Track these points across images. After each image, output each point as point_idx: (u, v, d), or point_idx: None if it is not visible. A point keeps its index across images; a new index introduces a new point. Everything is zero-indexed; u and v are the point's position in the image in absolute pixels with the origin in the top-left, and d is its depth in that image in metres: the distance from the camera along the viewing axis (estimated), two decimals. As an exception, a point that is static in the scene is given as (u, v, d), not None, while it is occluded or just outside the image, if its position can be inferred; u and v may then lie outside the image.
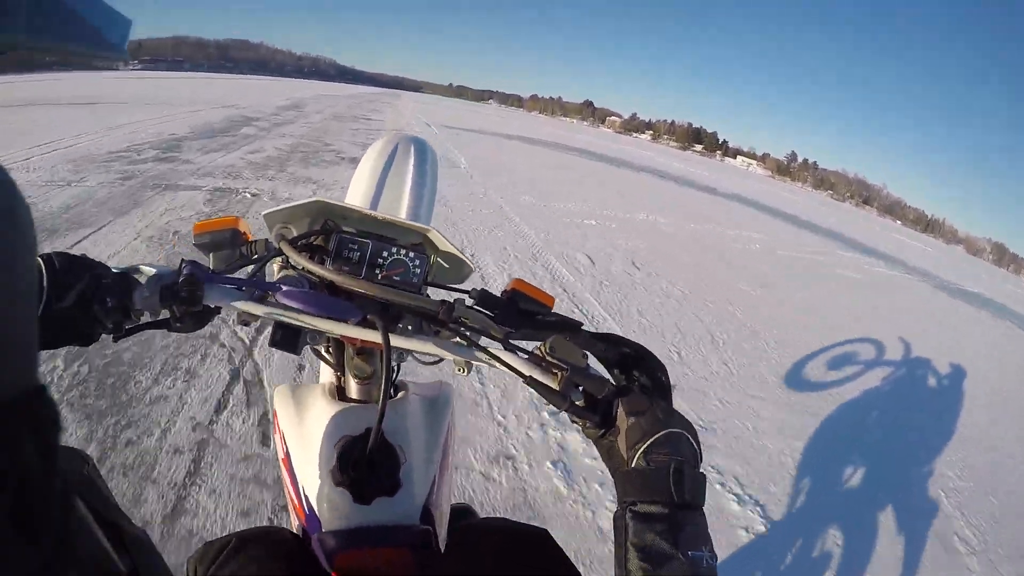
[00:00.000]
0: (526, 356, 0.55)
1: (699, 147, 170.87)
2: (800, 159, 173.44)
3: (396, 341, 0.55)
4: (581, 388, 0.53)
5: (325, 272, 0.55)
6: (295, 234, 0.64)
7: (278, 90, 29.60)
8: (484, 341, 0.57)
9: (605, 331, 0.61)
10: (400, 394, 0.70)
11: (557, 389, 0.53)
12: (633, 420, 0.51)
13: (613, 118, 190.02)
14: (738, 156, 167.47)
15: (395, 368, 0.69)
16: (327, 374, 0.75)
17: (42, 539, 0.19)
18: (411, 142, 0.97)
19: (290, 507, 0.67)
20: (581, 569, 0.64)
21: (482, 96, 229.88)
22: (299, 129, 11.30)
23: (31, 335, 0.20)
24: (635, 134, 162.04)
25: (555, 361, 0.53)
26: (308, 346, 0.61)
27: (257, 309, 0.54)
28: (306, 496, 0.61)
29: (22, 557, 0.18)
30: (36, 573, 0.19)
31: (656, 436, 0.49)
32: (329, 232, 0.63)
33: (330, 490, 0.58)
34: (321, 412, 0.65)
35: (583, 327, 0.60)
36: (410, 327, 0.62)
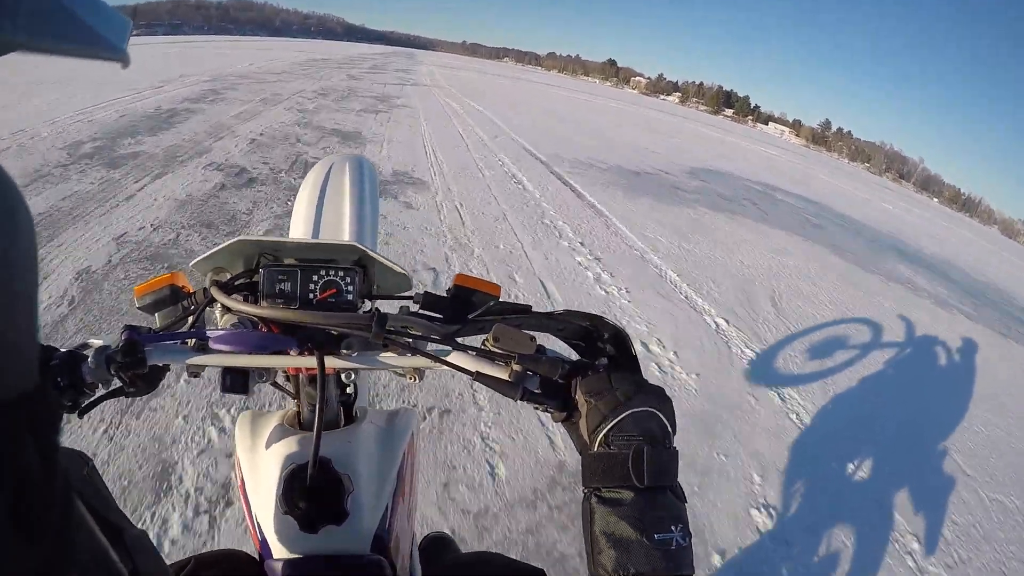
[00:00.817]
0: (474, 352, 0.52)
1: (729, 111, 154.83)
2: (834, 128, 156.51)
3: (337, 363, 0.54)
4: (537, 374, 0.50)
5: (253, 309, 0.53)
6: (229, 277, 0.61)
7: (236, 59, 17.67)
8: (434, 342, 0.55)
9: (560, 308, 0.56)
10: (354, 421, 0.66)
11: (509, 380, 0.50)
12: (592, 403, 0.47)
13: (638, 79, 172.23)
14: (770, 122, 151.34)
15: (352, 394, 0.68)
16: (292, 401, 0.70)
17: (42, 539, 0.18)
18: (345, 161, 0.94)
19: (248, 533, 0.64)
20: None
21: (497, 54, 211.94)
22: None
23: (31, 335, 0.19)
24: (662, 96, 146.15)
25: (502, 351, 0.50)
26: (262, 383, 0.59)
27: (201, 360, 0.52)
28: (258, 523, 0.58)
29: (22, 557, 0.17)
30: (36, 573, 0.18)
31: (616, 419, 0.45)
32: (256, 269, 0.59)
33: (278, 518, 0.56)
34: (274, 440, 0.61)
35: (532, 309, 0.55)
36: (353, 347, 0.55)
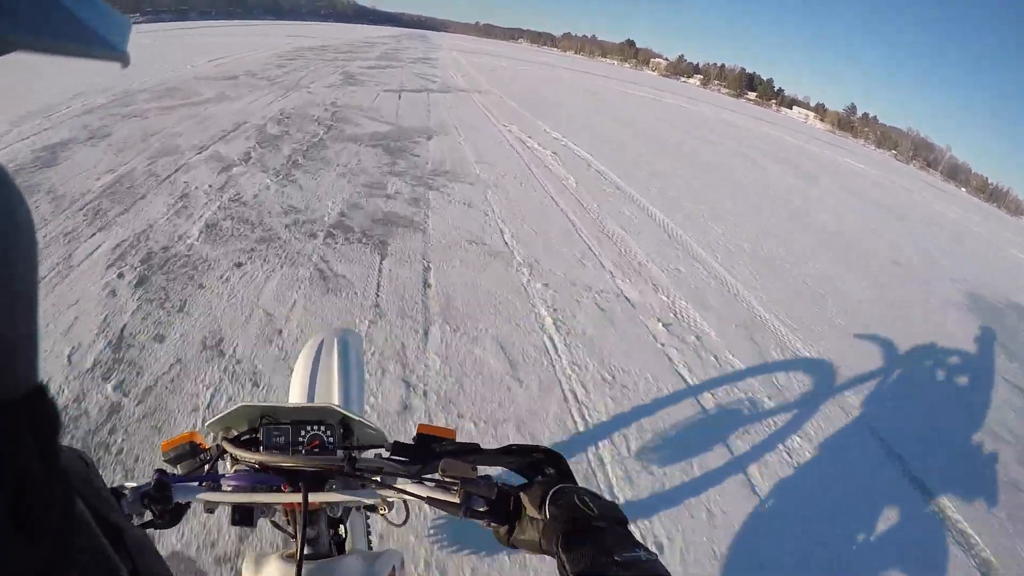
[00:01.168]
0: (432, 484, 0.61)
1: (752, 95, 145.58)
2: (859, 113, 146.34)
3: (320, 497, 0.63)
4: (480, 496, 0.57)
5: (252, 456, 0.64)
6: (236, 434, 0.72)
7: (198, 53, 12.73)
8: (403, 480, 0.64)
9: (504, 444, 0.64)
10: (342, 556, 0.75)
11: (457, 502, 0.57)
12: (534, 494, 0.54)
13: (658, 60, 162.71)
14: (794, 106, 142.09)
15: (343, 533, 0.85)
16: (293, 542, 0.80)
17: (42, 539, 0.18)
18: (335, 337, 1.12)
19: None
20: None
21: (511, 35, 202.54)
22: None
23: (31, 335, 0.19)
24: (683, 78, 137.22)
25: (450, 479, 0.58)
26: (264, 518, 0.71)
27: (215, 497, 0.62)
28: None
29: (22, 557, 0.17)
30: (36, 573, 0.18)
31: (554, 489, 0.52)
32: (257, 428, 0.70)
33: None
34: (271, 573, 0.68)
35: (480, 447, 0.64)
36: (335, 486, 0.65)
